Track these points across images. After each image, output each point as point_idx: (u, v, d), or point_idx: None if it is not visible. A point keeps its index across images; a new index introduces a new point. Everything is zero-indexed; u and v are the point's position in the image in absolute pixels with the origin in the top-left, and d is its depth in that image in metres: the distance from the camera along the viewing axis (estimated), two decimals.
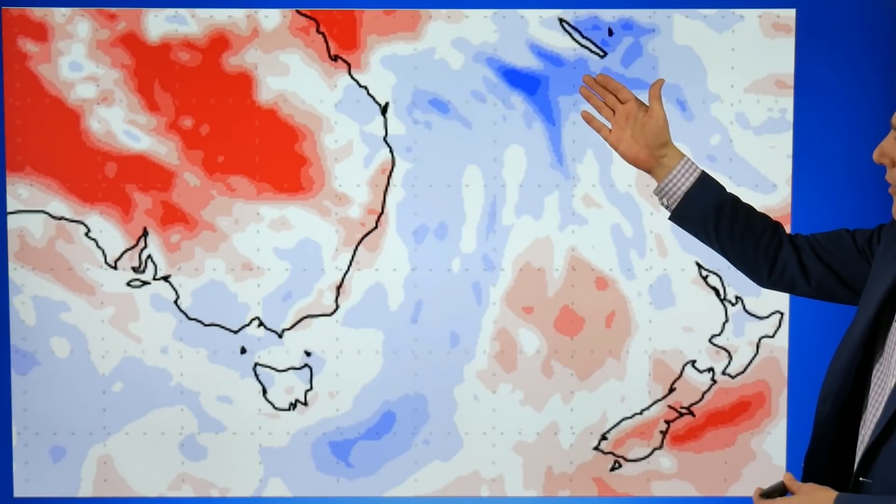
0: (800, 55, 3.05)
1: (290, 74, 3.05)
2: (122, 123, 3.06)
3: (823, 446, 1.93)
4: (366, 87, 3.06)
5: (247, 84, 3.06)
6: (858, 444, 1.87)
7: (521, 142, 3.07)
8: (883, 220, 3.09)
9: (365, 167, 3.08)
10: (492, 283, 3.09)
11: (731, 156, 3.07)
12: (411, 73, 3.06)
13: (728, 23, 3.05)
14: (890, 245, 1.97)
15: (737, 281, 3.09)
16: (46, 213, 3.07)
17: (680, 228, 2.18)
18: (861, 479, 1.81)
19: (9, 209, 3.06)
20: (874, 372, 1.89)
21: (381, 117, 3.07)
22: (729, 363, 3.12)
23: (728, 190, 2.16)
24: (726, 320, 3.11)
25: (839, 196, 3.09)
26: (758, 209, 2.17)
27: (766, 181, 3.08)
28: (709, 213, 2.11)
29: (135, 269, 3.08)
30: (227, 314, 3.10)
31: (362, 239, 3.09)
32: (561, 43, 3.06)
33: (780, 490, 1.84)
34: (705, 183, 2.14)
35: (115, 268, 3.08)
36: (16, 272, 3.07)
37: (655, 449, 3.13)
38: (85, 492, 3.11)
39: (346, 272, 3.09)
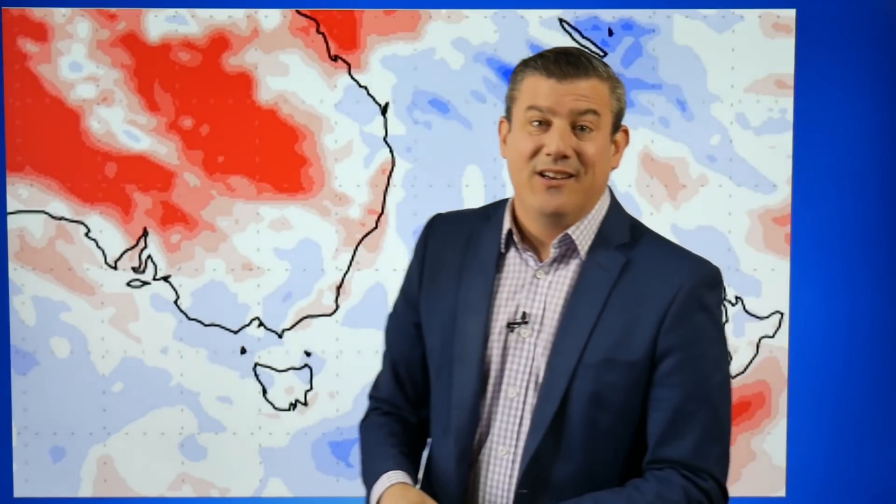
0: (800, 55, 3.05)
1: (290, 74, 3.05)
2: (122, 123, 3.06)
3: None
4: (366, 88, 3.06)
5: (247, 84, 3.06)
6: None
7: None
8: (882, 219, 3.10)
9: (365, 167, 3.08)
10: None
11: (731, 156, 3.07)
12: (411, 74, 3.06)
13: (728, 23, 3.05)
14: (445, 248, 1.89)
15: (737, 281, 3.09)
16: (46, 213, 3.07)
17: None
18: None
19: (9, 209, 3.06)
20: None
21: (381, 117, 3.07)
22: (729, 363, 3.12)
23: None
24: (726, 320, 3.11)
25: (839, 196, 3.09)
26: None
27: (766, 181, 3.08)
28: None
29: (135, 270, 3.08)
30: (227, 314, 3.10)
31: (362, 239, 3.09)
32: (561, 43, 3.05)
33: None
34: None
35: (115, 268, 3.08)
36: (16, 272, 3.07)
37: None
38: (85, 492, 3.11)
39: (346, 272, 3.09)
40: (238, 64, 3.05)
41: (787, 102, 3.06)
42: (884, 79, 3.07)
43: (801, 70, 3.05)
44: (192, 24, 3.04)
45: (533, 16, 3.05)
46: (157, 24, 3.04)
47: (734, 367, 3.12)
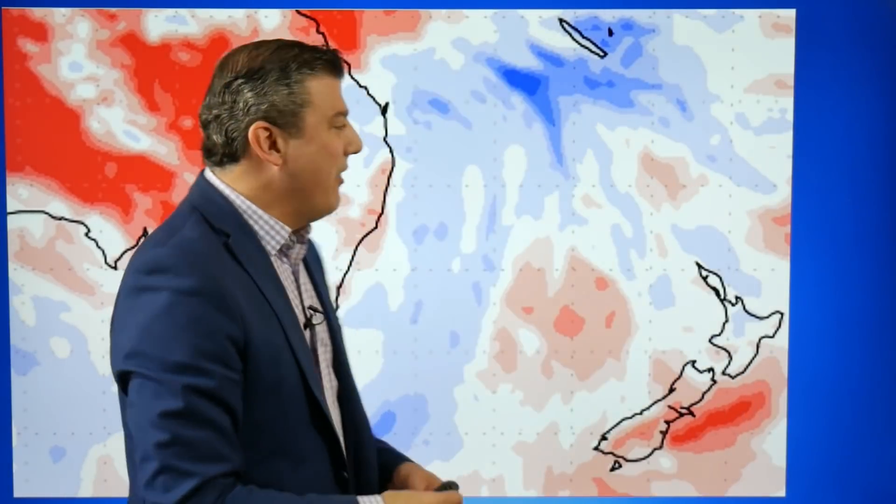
0: (800, 55, 3.05)
1: None
2: (122, 123, 3.06)
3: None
4: (366, 88, 3.06)
5: None
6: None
7: (521, 142, 3.07)
8: (882, 219, 3.10)
9: (365, 167, 3.08)
10: (492, 284, 3.09)
11: (731, 156, 3.07)
12: (411, 74, 3.06)
13: (728, 23, 3.05)
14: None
15: (737, 281, 3.09)
16: (46, 213, 3.07)
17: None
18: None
19: (9, 209, 3.06)
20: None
21: (381, 117, 3.07)
22: (729, 363, 3.12)
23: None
24: (726, 320, 3.11)
25: (839, 196, 3.09)
26: None
27: (766, 181, 3.08)
28: None
29: None
30: None
31: (362, 239, 3.09)
32: (561, 43, 3.06)
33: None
34: None
35: (115, 268, 3.08)
36: (16, 272, 3.07)
37: (655, 449, 3.13)
38: (85, 492, 3.11)
39: (346, 272, 3.09)
40: None
41: (787, 102, 3.06)
42: (884, 79, 3.07)
43: (801, 70, 3.05)
44: (192, 24, 3.04)
45: (533, 16, 3.05)
46: (157, 24, 3.04)
47: (734, 368, 3.12)
